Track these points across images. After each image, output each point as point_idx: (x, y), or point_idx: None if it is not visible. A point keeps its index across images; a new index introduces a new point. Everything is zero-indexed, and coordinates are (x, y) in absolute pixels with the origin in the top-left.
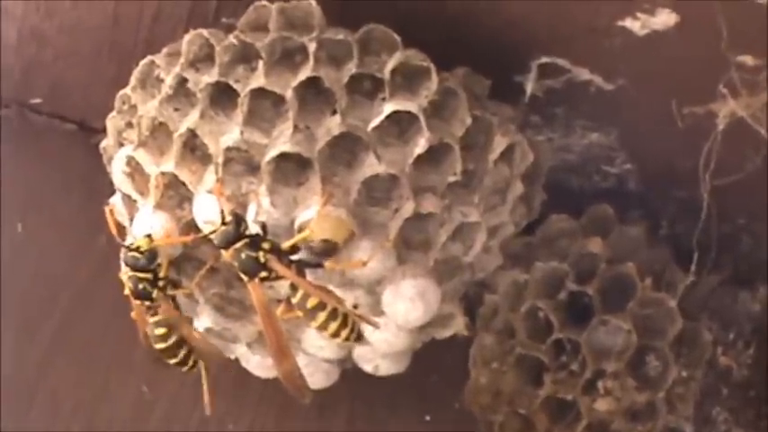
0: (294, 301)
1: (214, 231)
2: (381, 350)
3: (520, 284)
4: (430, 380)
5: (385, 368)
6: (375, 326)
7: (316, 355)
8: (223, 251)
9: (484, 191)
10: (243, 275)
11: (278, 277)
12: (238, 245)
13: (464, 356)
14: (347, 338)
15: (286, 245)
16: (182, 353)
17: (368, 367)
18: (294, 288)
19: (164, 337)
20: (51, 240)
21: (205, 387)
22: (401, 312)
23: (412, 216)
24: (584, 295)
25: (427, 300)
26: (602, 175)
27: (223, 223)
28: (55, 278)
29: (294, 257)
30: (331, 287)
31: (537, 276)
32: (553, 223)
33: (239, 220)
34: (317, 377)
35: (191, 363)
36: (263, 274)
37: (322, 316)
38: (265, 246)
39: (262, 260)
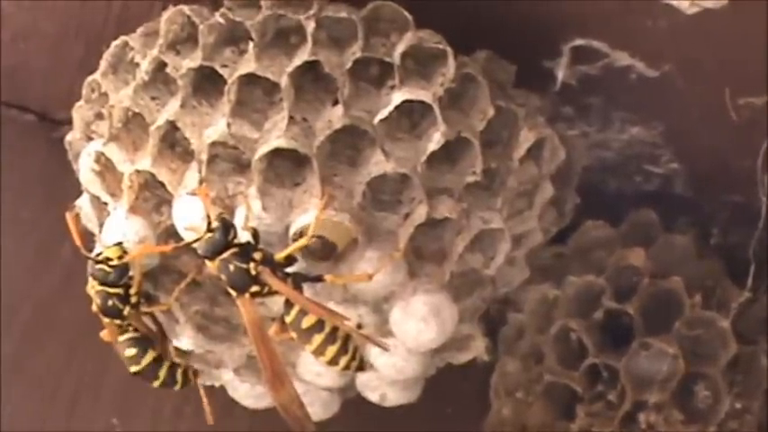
0: (288, 319)
1: (198, 239)
2: (389, 377)
3: (549, 302)
4: (445, 412)
5: (393, 398)
6: (384, 348)
7: (313, 382)
8: (208, 262)
9: (508, 193)
10: (231, 290)
11: (271, 292)
12: (226, 255)
13: (484, 385)
14: (347, 367)
15: (280, 255)
16: (162, 372)
17: (373, 396)
18: (289, 305)
19: (135, 359)
20: (8, 249)
21: (204, 399)
22: (412, 333)
23: (425, 222)
24: (623, 314)
25: (442, 319)
26: (644, 176)
27: (209, 230)
28: (12, 293)
29: (290, 270)
30: (331, 304)
31: (569, 292)
32: (588, 231)
33: (227, 226)
34: (315, 408)
35: (179, 379)
36: (255, 288)
37: (318, 339)
38: (257, 256)
39: (253, 272)
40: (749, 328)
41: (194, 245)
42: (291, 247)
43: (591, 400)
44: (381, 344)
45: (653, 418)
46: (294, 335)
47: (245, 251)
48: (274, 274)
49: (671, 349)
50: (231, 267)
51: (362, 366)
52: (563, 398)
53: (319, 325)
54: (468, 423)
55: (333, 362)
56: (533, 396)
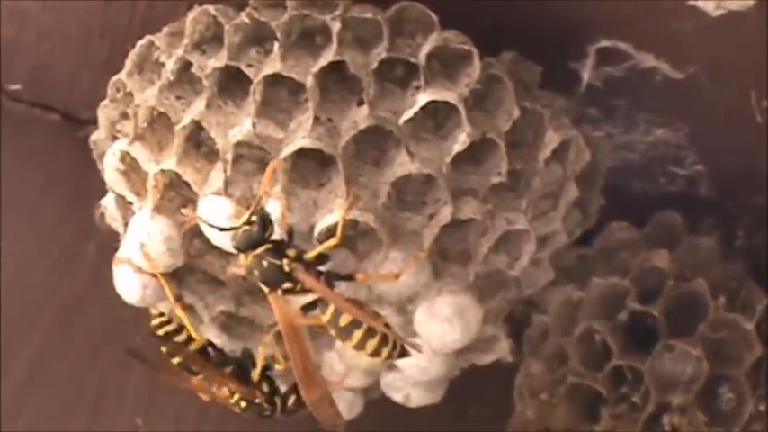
0: (325, 318)
1: (235, 229)
2: (413, 377)
3: (573, 303)
4: (469, 413)
5: (417, 398)
6: (417, 349)
7: None
8: (242, 256)
9: (533, 194)
10: (263, 286)
11: (304, 290)
12: (260, 250)
13: (508, 386)
14: (389, 356)
15: (312, 253)
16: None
17: (397, 397)
18: (324, 303)
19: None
20: (32, 249)
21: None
22: (436, 334)
23: (450, 223)
24: (647, 316)
25: (466, 320)
26: (669, 178)
27: (247, 223)
28: (36, 292)
29: (322, 268)
30: None
31: (593, 294)
32: (612, 233)
33: (266, 221)
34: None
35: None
36: (287, 285)
37: (358, 334)
38: (291, 253)
39: (286, 269)
40: None
41: (231, 236)
42: (323, 246)
43: (615, 401)
44: (413, 344)
45: (677, 419)
46: (333, 332)
47: (279, 248)
48: (308, 272)
49: (695, 351)
50: (265, 263)
51: (405, 352)
52: (587, 399)
53: (357, 321)
54: (492, 424)
55: (375, 353)
56: (557, 398)
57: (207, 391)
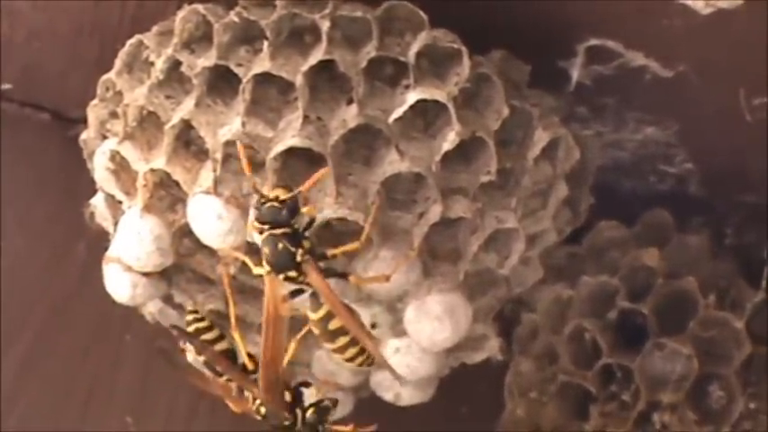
0: (315, 316)
1: (263, 202)
2: (403, 376)
3: (563, 302)
4: (459, 411)
5: (407, 397)
6: (398, 378)
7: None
8: (255, 230)
9: (522, 193)
10: (267, 266)
11: (304, 282)
12: (279, 231)
13: (498, 385)
14: (362, 363)
15: (332, 251)
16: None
17: (388, 396)
18: (317, 301)
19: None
20: (23, 248)
21: None
22: (426, 333)
23: (439, 221)
24: (637, 314)
25: (456, 318)
26: (658, 176)
27: (275, 199)
28: (27, 291)
29: (321, 264)
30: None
31: (583, 292)
32: (602, 231)
33: (296, 208)
34: None
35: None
36: (292, 274)
37: (343, 340)
38: (306, 244)
39: (298, 259)
40: (763, 328)
41: (256, 204)
42: (343, 248)
43: (605, 400)
44: (395, 373)
45: (667, 418)
46: (316, 330)
47: (297, 236)
48: (317, 268)
49: (685, 349)
50: (280, 245)
51: (373, 361)
52: (577, 398)
53: (345, 329)
54: (482, 423)
55: (351, 360)
56: (547, 396)
57: (232, 398)
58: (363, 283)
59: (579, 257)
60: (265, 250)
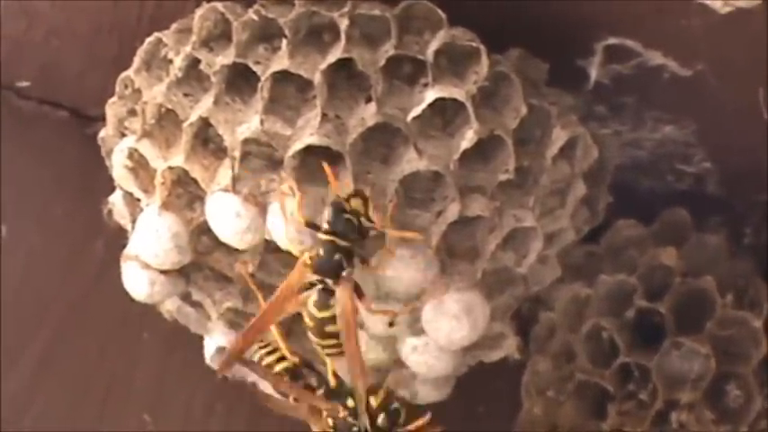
0: (317, 314)
1: (342, 210)
2: (420, 374)
3: (581, 300)
4: (476, 410)
5: (424, 395)
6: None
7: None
8: (320, 231)
9: (540, 192)
10: (306, 267)
11: (330, 294)
12: (344, 243)
13: (516, 383)
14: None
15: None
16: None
17: (404, 393)
18: (326, 303)
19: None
20: (40, 246)
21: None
22: (444, 331)
23: (457, 220)
24: (655, 313)
25: (474, 317)
26: (676, 175)
27: (355, 213)
28: (44, 289)
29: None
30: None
31: (601, 291)
32: (620, 230)
33: (365, 232)
34: None
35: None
36: (328, 281)
37: (331, 342)
38: (355, 263)
39: (343, 274)
40: None
41: (329, 210)
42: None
43: (622, 399)
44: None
45: (684, 417)
46: (310, 323)
47: (352, 253)
48: (351, 289)
49: (703, 349)
50: (336, 256)
51: None
52: (594, 397)
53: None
54: (500, 422)
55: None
56: (564, 395)
57: (314, 418)
58: (376, 314)
59: (597, 256)
60: (320, 251)
